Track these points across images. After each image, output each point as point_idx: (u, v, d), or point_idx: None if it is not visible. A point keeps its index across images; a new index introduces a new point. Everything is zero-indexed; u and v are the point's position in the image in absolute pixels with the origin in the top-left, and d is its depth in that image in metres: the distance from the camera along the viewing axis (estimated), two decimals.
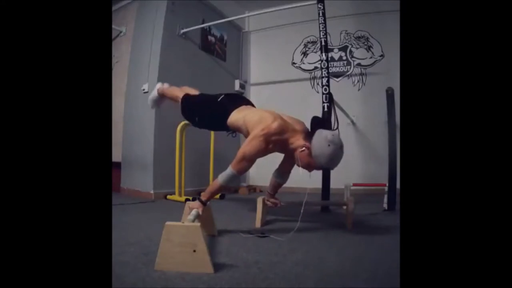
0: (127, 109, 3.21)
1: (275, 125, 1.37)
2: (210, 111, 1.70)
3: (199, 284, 0.89)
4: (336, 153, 1.33)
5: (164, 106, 2.98)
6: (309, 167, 1.41)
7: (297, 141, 1.40)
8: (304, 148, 1.37)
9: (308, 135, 1.38)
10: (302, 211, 1.51)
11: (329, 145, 1.31)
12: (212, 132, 3.09)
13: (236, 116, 1.56)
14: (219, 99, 1.65)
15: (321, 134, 1.34)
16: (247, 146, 1.37)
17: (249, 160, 1.37)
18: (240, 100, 1.69)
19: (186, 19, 3.22)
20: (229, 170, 1.40)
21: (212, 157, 3.08)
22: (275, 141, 1.39)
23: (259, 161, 1.43)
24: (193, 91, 1.91)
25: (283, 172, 1.72)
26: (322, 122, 1.44)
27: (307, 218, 2.03)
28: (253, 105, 1.72)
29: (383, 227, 1.74)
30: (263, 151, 1.39)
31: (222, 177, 1.41)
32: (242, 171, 1.40)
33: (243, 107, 1.61)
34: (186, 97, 1.84)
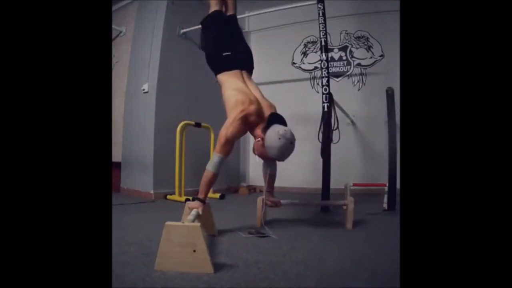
0: (127, 109, 3.21)
1: (252, 107, 1.50)
2: (211, 56, 1.75)
3: (199, 284, 0.89)
4: (286, 147, 1.43)
5: (164, 105, 3.00)
6: (262, 156, 1.54)
7: (258, 129, 1.52)
8: (259, 139, 1.49)
9: (266, 127, 1.49)
10: (264, 206, 1.71)
11: (279, 139, 1.41)
12: (212, 132, 3.09)
13: (223, 80, 1.65)
14: (224, 54, 1.68)
15: (274, 129, 1.44)
16: (228, 129, 1.45)
17: (232, 142, 1.47)
18: (240, 63, 1.70)
19: (186, 19, 3.22)
20: (216, 156, 1.45)
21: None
22: (252, 121, 1.51)
23: (258, 162, 1.48)
24: (231, 5, 1.89)
25: (268, 162, 1.75)
26: (278, 118, 1.54)
27: (307, 218, 2.03)
28: (251, 69, 1.77)
29: (383, 227, 1.74)
30: (243, 132, 1.53)
31: (211, 165, 1.45)
32: (228, 153, 1.47)
33: (234, 73, 1.65)
34: (213, 16, 1.82)
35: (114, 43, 3.49)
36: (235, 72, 1.66)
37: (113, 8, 3.52)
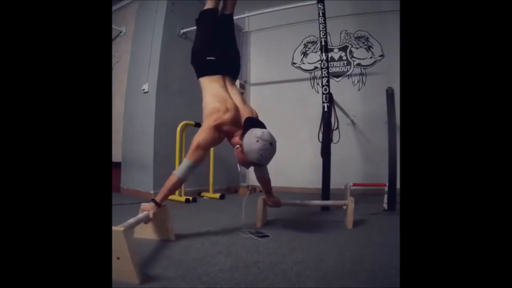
0: (127, 109, 3.20)
1: (226, 116, 1.47)
2: (196, 58, 1.71)
3: (198, 284, 0.89)
4: (265, 148, 1.37)
5: (164, 105, 3.00)
6: (244, 163, 1.50)
7: (235, 137, 1.49)
8: (238, 145, 1.46)
9: (243, 133, 1.46)
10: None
11: (257, 141, 1.37)
12: None
13: (203, 85, 1.61)
14: (208, 58, 1.63)
15: (251, 132, 1.41)
16: (201, 136, 1.43)
17: (204, 149, 1.43)
18: (224, 68, 1.65)
19: (186, 19, 3.22)
20: (185, 161, 1.42)
21: (212, 157, 3.08)
22: (226, 130, 1.49)
23: (240, 170, 1.43)
24: (230, 4, 1.84)
25: (257, 167, 1.71)
26: (255, 122, 1.50)
27: (307, 218, 2.03)
28: (235, 75, 1.73)
29: (383, 227, 1.74)
30: (216, 140, 1.49)
31: (178, 170, 1.42)
32: (197, 161, 1.42)
33: (216, 79, 1.60)
34: (206, 14, 1.77)
35: (114, 43, 3.49)
36: (217, 78, 1.61)
37: (113, 8, 3.51)
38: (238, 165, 1.54)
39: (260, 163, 1.43)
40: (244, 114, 1.54)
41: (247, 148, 1.39)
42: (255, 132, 1.40)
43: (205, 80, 1.61)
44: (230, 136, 1.51)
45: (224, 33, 1.78)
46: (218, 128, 1.45)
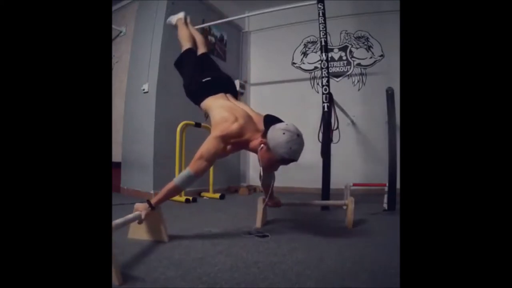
0: (127, 109, 3.21)
1: (234, 126, 1.38)
2: (191, 87, 1.71)
3: (198, 284, 0.89)
4: (293, 140, 1.28)
5: (164, 105, 3.00)
6: (271, 163, 1.37)
7: (256, 140, 1.39)
8: (262, 145, 1.35)
9: (265, 131, 1.37)
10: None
11: (283, 133, 1.28)
12: None
13: (208, 104, 1.57)
14: (204, 80, 1.63)
15: (275, 127, 1.33)
16: (205, 146, 1.36)
17: (207, 160, 1.35)
18: (223, 86, 1.65)
19: None
20: (186, 170, 1.36)
21: None
22: (234, 142, 1.41)
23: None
24: (201, 45, 1.93)
25: (266, 174, 1.68)
26: (275, 119, 1.44)
27: (307, 218, 2.03)
28: (235, 94, 1.71)
29: (383, 227, 1.74)
30: (221, 152, 1.39)
31: (178, 178, 1.38)
32: (199, 171, 1.35)
33: (219, 96, 1.59)
34: (186, 54, 1.85)
35: (114, 43, 3.48)
36: (220, 95, 1.59)
37: (113, 8, 3.51)
38: (260, 171, 1.41)
39: (291, 157, 1.30)
40: (257, 120, 1.47)
41: (274, 143, 1.29)
42: (279, 126, 1.32)
43: (208, 100, 1.57)
44: (246, 143, 1.42)
45: (210, 65, 1.86)
46: (223, 138, 1.36)
